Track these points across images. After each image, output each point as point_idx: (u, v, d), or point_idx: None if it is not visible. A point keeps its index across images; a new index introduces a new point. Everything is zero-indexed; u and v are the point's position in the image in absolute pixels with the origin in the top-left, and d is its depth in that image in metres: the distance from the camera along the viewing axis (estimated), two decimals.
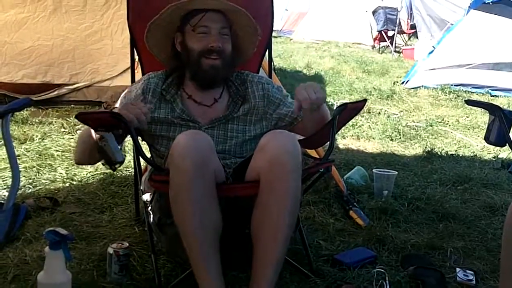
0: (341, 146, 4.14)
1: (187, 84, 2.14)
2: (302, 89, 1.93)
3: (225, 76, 2.14)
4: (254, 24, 2.10)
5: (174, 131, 2.05)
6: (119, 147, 1.75)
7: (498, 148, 3.49)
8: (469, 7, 7.08)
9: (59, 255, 1.69)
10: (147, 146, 2.21)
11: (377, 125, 4.73)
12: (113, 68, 4.77)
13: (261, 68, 2.54)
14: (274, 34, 13.05)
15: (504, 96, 6.31)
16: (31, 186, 2.97)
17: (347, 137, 4.38)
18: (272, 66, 2.69)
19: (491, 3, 6.72)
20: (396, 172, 3.11)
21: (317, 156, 2.56)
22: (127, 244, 2.06)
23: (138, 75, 2.44)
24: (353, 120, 4.67)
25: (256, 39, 2.16)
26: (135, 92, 2.11)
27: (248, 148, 2.10)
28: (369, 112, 5.23)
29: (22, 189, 2.87)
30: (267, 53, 2.51)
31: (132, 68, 2.49)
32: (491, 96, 6.38)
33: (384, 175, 3.01)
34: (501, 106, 2.73)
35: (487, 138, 2.23)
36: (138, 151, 1.88)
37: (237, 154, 2.08)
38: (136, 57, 2.44)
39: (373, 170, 3.10)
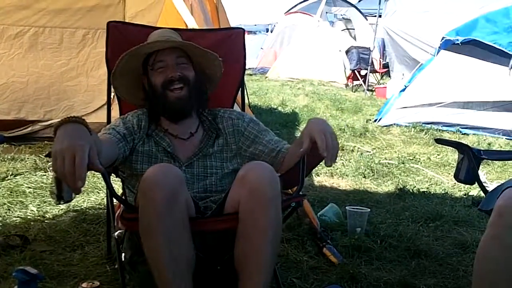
0: (315, 183, 4.17)
1: (162, 119, 2.18)
2: (321, 132, 1.87)
3: (196, 104, 2.18)
4: (208, 51, 2.17)
5: (155, 163, 2.06)
6: None
7: (468, 185, 3.53)
8: (439, 47, 7.24)
9: None
10: (121, 182, 2.20)
11: (350, 162, 4.79)
12: (88, 105, 4.77)
13: (235, 103, 2.59)
14: (249, 72, 13.23)
15: (474, 134, 6.42)
16: (0, 224, 2.91)
17: (320, 174, 4.41)
18: (245, 101, 2.74)
19: (460, 44, 6.90)
20: (369, 210, 3.14)
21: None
22: (98, 283, 2.04)
23: (114, 111, 2.46)
24: None
25: (219, 62, 2.21)
26: (131, 121, 2.14)
27: (227, 182, 2.12)
28: (343, 150, 5.29)
29: None
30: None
31: (109, 104, 2.49)
32: (461, 134, 6.50)
33: (357, 212, 3.04)
34: (470, 144, 2.77)
35: (456, 176, 2.28)
36: (111, 193, 1.88)
37: (218, 188, 2.09)
38: (113, 93, 2.46)
39: (346, 207, 3.12)
